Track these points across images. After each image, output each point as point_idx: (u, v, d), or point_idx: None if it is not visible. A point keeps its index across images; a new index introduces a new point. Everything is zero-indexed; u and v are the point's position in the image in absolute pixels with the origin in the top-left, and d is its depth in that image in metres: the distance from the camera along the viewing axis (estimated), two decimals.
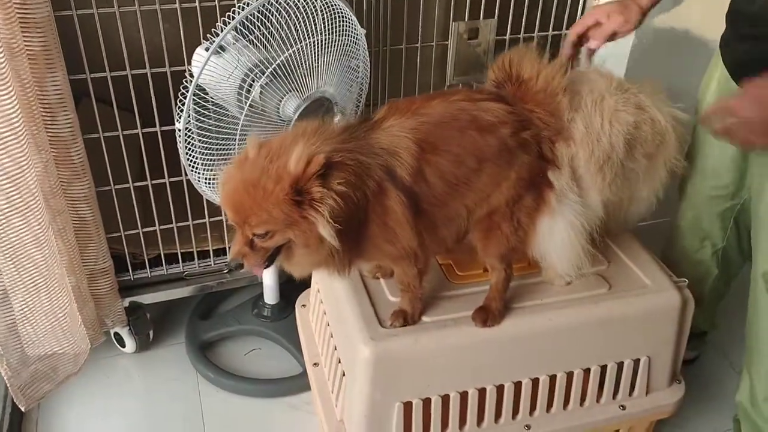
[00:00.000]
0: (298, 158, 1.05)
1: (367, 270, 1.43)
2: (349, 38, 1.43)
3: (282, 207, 1.06)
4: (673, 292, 1.43)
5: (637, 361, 1.45)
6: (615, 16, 1.43)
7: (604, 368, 1.43)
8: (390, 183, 1.14)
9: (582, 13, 1.89)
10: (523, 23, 1.83)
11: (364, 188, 1.11)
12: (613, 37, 1.46)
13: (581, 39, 1.48)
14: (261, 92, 1.35)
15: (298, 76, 1.36)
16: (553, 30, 1.89)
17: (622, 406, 1.47)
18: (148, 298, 1.85)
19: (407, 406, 1.33)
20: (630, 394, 1.48)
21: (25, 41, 1.30)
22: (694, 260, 1.73)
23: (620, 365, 1.44)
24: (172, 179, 1.68)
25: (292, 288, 1.88)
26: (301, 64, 1.35)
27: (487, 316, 1.33)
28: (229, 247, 1.16)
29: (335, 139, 1.12)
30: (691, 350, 1.84)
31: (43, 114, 1.40)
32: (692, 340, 1.72)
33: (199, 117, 1.35)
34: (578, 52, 1.49)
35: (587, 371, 1.42)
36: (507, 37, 1.84)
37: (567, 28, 1.89)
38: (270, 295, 1.92)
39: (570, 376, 1.41)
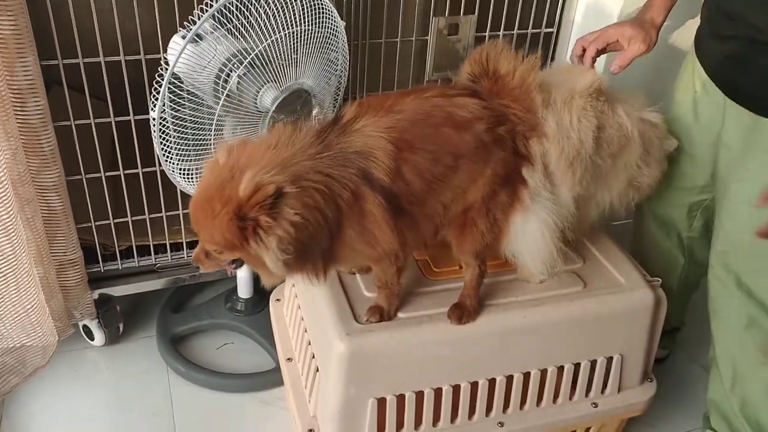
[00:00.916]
0: (247, 184, 1.01)
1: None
2: (329, 30, 1.41)
3: (225, 231, 1.04)
4: (646, 290, 1.44)
5: (610, 359, 1.46)
6: (637, 43, 1.45)
7: (577, 366, 1.44)
8: (367, 186, 1.12)
9: (561, 12, 1.90)
10: (503, 20, 1.83)
11: (335, 203, 1.09)
12: (637, 58, 1.49)
13: (600, 52, 1.51)
14: (238, 83, 1.33)
15: (276, 67, 1.34)
16: (533, 28, 1.90)
17: (594, 403, 1.48)
18: (118, 291, 1.82)
19: (381, 402, 1.32)
20: (602, 391, 1.49)
21: None
22: (660, 249, 1.74)
23: (593, 363, 1.45)
24: (145, 169, 1.65)
25: None
26: (280, 55, 1.34)
27: (463, 313, 1.33)
28: None
29: (307, 152, 1.09)
30: (662, 348, 1.86)
31: (13, 100, 1.36)
32: (663, 338, 1.73)
33: (174, 106, 1.33)
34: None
35: (561, 369, 1.43)
36: (487, 33, 1.84)
37: (547, 26, 1.91)
38: (244, 289, 1.90)
39: (544, 373, 1.42)
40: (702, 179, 1.56)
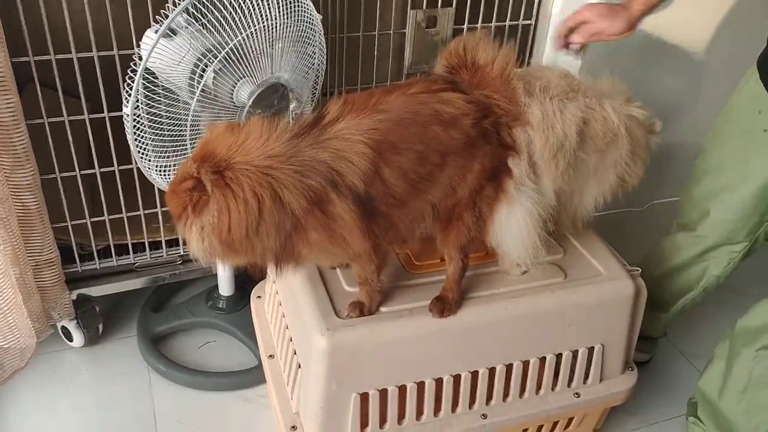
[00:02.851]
0: (179, 169, 1.10)
1: None
2: (305, 23, 1.40)
3: (169, 201, 1.11)
4: (626, 280, 1.45)
5: (591, 349, 1.47)
6: (603, 19, 1.42)
7: (559, 356, 1.44)
8: (335, 193, 1.11)
9: (539, 4, 1.90)
10: (481, 13, 1.83)
11: (282, 212, 1.08)
12: (598, 37, 1.45)
13: (570, 34, 1.49)
14: (214, 77, 1.31)
15: (252, 62, 1.33)
16: (511, 20, 1.89)
17: (576, 393, 1.48)
18: (96, 291, 1.79)
19: (364, 397, 1.32)
20: (584, 381, 1.49)
21: None
22: (681, 283, 1.74)
23: (575, 353, 1.46)
24: (121, 167, 1.62)
25: (247, 279, 1.85)
26: (256, 48, 1.32)
27: (444, 306, 1.33)
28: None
29: (265, 161, 1.07)
30: (644, 353, 1.86)
31: None
32: (646, 343, 1.74)
33: (149, 102, 1.31)
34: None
35: (543, 360, 1.43)
36: (465, 26, 1.83)
37: (525, 19, 1.91)
38: (225, 287, 1.88)
39: (526, 364, 1.42)
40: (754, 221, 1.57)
